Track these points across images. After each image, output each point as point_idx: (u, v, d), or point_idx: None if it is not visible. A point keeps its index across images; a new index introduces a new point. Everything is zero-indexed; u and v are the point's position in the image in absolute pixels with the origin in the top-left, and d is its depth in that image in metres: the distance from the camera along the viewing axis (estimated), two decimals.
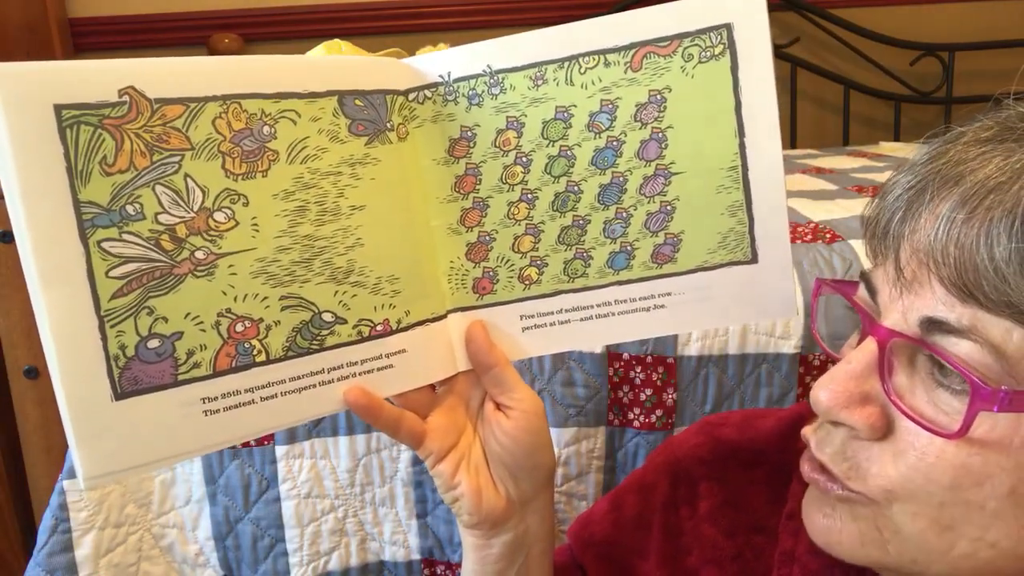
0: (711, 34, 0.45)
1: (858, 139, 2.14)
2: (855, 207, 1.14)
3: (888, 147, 1.92)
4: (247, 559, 0.88)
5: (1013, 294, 0.32)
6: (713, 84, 0.45)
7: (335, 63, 0.45)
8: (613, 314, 0.49)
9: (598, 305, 0.49)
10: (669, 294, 0.48)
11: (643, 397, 0.88)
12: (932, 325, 0.35)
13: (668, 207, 0.47)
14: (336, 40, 0.96)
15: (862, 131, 2.17)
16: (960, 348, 0.34)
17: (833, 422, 0.38)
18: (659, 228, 0.48)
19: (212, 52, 1.90)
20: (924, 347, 0.35)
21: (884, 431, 0.37)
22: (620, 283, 0.48)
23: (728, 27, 0.44)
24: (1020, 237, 0.32)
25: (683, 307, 0.48)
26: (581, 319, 0.49)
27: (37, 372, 1.16)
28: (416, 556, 0.90)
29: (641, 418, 0.88)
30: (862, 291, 0.41)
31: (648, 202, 0.47)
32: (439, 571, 0.91)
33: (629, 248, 0.48)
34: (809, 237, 0.97)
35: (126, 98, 0.38)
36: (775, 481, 0.53)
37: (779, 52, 2.05)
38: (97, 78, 0.38)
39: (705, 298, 0.48)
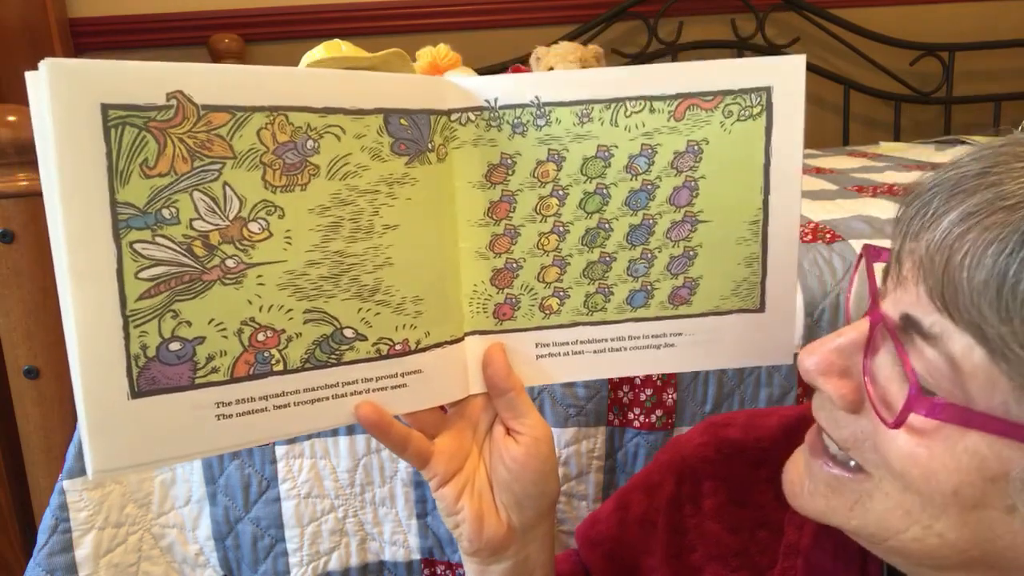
0: (752, 95, 0.47)
1: (858, 139, 2.15)
2: (855, 207, 1.14)
3: (888, 147, 1.92)
4: (247, 559, 0.88)
5: (981, 319, 0.33)
6: (748, 141, 0.47)
7: (384, 80, 0.45)
8: (625, 348, 0.50)
9: (612, 339, 0.50)
10: (680, 334, 0.50)
11: (643, 397, 0.88)
12: (908, 323, 0.37)
13: (691, 252, 0.49)
14: (336, 40, 0.96)
15: (862, 131, 2.17)
16: (927, 352, 0.36)
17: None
18: (680, 271, 0.49)
19: (212, 52, 1.90)
20: (895, 340, 0.37)
21: (855, 406, 0.39)
22: (636, 320, 0.50)
23: (768, 90, 0.47)
24: (1001, 272, 0.32)
25: (691, 348, 0.50)
26: (595, 351, 0.50)
27: (37, 372, 1.16)
28: (416, 556, 0.90)
29: (641, 418, 0.88)
30: (881, 270, 0.42)
31: (673, 246, 0.49)
32: (439, 571, 0.91)
33: (649, 288, 0.49)
34: (809, 237, 0.97)
35: (173, 102, 0.38)
36: (780, 478, 0.53)
37: (779, 52, 2.05)
38: (146, 80, 0.38)
39: (712, 340, 0.50)
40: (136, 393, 0.39)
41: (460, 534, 0.49)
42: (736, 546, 0.53)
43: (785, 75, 0.47)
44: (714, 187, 0.48)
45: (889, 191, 1.28)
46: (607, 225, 0.48)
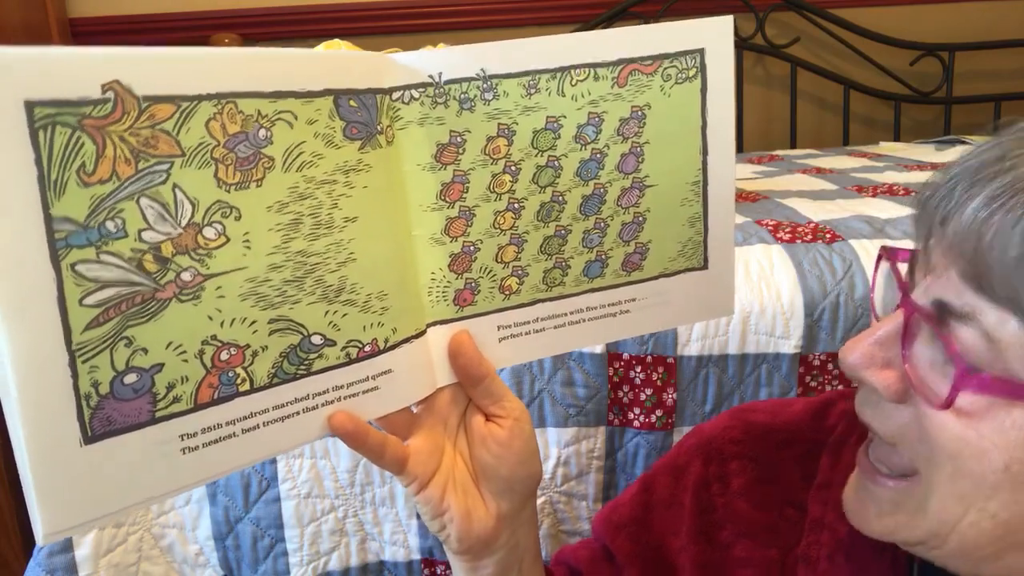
0: (687, 57, 0.48)
1: (858, 139, 2.15)
2: (855, 207, 1.14)
3: (888, 147, 1.92)
4: (247, 559, 0.89)
5: (1017, 294, 0.35)
6: (686, 104, 0.48)
7: (329, 59, 0.42)
8: (584, 320, 0.50)
9: (571, 312, 0.50)
10: (634, 299, 0.51)
11: (643, 397, 0.88)
12: (942, 307, 0.38)
13: (640, 218, 0.50)
14: (336, 40, 0.96)
15: (862, 131, 2.17)
16: (962, 332, 0.37)
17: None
18: (631, 238, 0.50)
19: None
20: (932, 325, 0.38)
21: (901, 395, 0.40)
22: (593, 291, 0.50)
23: (701, 52, 0.48)
24: None
25: (644, 311, 0.52)
26: (555, 326, 0.50)
27: None
28: (416, 556, 0.90)
29: (641, 418, 0.88)
30: (904, 264, 0.44)
31: (624, 213, 0.49)
32: (439, 571, 0.91)
33: (604, 257, 0.50)
34: (809, 237, 0.97)
35: (110, 94, 0.33)
36: (808, 458, 0.54)
37: (779, 52, 2.05)
38: (77, 70, 0.32)
39: (663, 302, 0.52)
40: (90, 438, 0.34)
41: (448, 535, 0.48)
42: (766, 522, 0.54)
43: (715, 37, 0.48)
44: (658, 151, 0.48)
45: (889, 191, 1.28)
46: (560, 198, 0.48)
